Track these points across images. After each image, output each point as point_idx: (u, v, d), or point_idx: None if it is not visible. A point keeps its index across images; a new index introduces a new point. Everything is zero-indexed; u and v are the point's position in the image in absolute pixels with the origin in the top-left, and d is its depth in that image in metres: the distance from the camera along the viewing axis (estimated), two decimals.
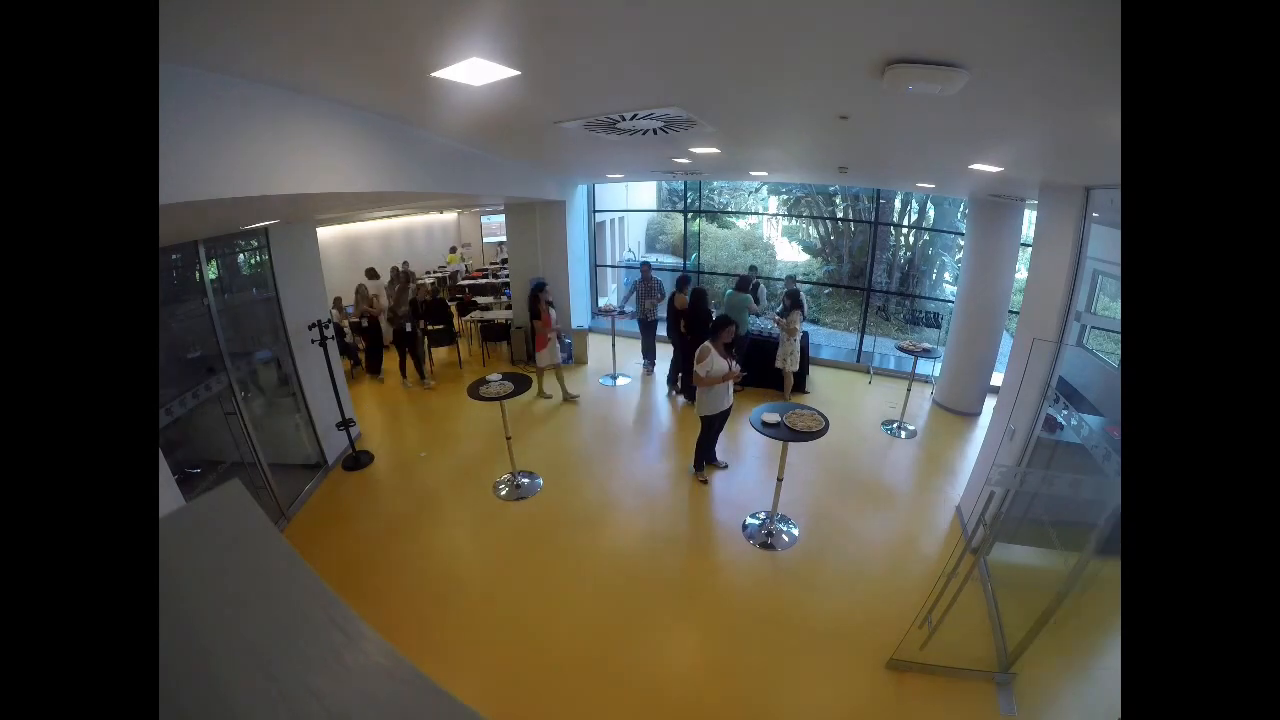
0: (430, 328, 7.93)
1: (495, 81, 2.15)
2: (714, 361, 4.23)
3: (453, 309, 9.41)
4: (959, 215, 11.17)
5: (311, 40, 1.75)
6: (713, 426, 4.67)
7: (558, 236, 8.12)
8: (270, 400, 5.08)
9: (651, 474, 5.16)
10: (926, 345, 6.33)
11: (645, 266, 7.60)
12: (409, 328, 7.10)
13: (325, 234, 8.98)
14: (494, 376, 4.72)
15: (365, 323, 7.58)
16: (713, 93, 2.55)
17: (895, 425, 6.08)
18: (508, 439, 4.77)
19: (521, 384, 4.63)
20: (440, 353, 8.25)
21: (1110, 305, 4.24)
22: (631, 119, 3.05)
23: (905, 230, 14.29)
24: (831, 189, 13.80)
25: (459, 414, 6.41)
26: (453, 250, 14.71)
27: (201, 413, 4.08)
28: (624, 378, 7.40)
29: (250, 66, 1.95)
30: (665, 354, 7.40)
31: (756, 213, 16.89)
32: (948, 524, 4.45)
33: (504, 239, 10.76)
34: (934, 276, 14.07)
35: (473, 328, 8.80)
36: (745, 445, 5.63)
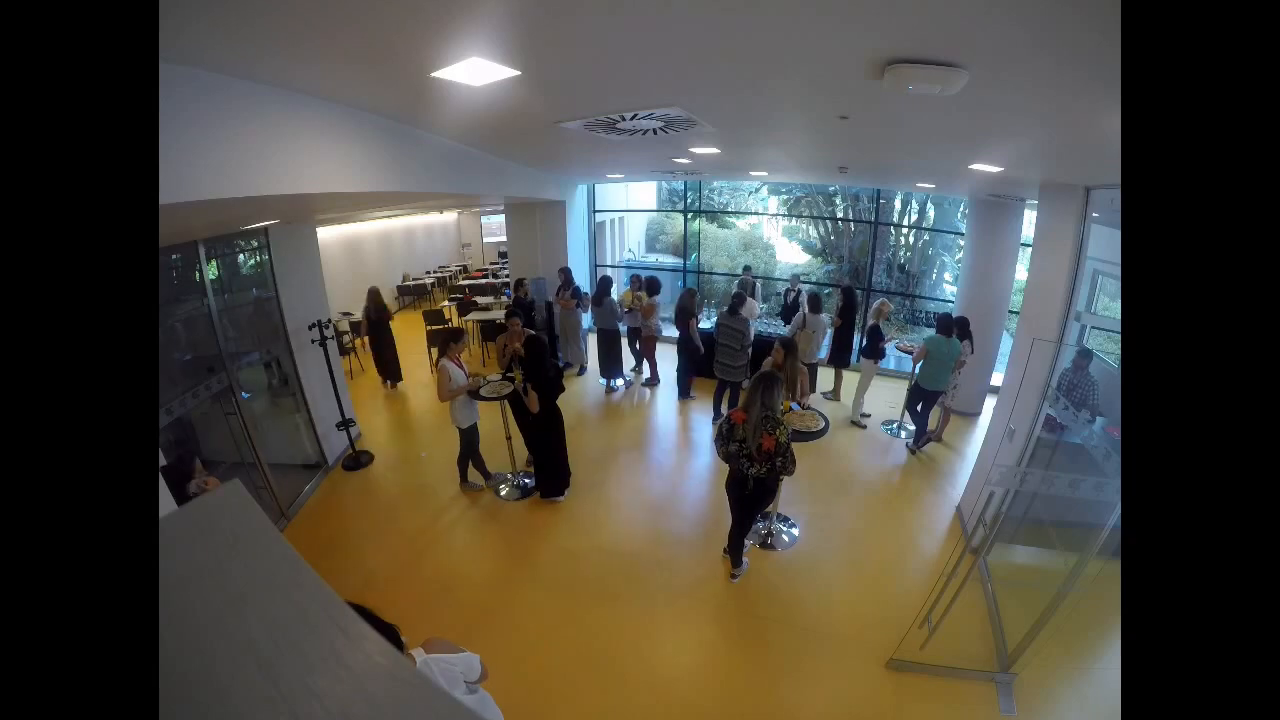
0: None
1: (495, 81, 2.15)
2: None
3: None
4: (959, 215, 11.16)
5: (312, 40, 1.75)
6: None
7: (558, 236, 8.12)
8: (270, 400, 5.08)
9: (651, 474, 5.16)
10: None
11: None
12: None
13: (325, 234, 8.99)
14: (494, 376, 4.72)
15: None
16: (713, 93, 2.55)
17: (895, 425, 6.07)
18: (508, 439, 4.77)
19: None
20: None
21: (1110, 305, 4.24)
22: (631, 119, 3.05)
23: (905, 230, 14.28)
24: (831, 189, 13.78)
25: None
26: None
27: (201, 413, 4.09)
28: (623, 379, 7.40)
29: (250, 66, 1.95)
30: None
31: (756, 213, 16.87)
32: (948, 524, 4.45)
33: (504, 239, 10.75)
34: (934, 276, 14.07)
35: (473, 327, 8.80)
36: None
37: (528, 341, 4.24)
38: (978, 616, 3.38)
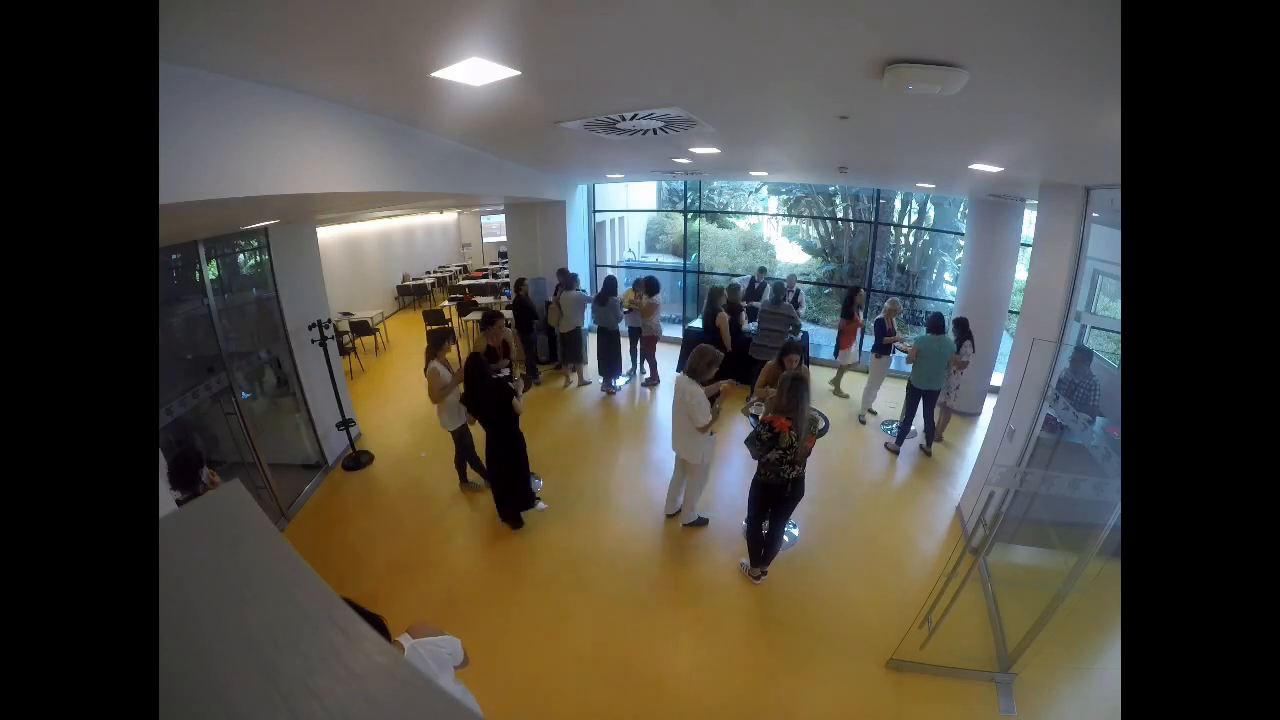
0: None
1: (495, 81, 2.15)
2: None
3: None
4: (959, 215, 11.15)
5: (312, 40, 1.75)
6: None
7: (558, 236, 8.12)
8: (270, 400, 5.08)
9: (650, 475, 5.16)
10: None
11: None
12: None
13: (325, 234, 8.99)
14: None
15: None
16: (713, 93, 2.55)
17: (895, 425, 6.07)
18: None
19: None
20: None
21: (1110, 305, 4.24)
22: (631, 119, 3.05)
23: (905, 230, 14.28)
24: (831, 189, 13.78)
25: None
26: None
27: (201, 413, 4.09)
28: (624, 378, 7.40)
29: (251, 66, 1.95)
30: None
31: (756, 213, 16.88)
32: (948, 524, 4.45)
33: (504, 239, 10.76)
34: (934, 276, 14.07)
35: (472, 328, 8.80)
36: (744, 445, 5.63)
37: (467, 361, 3.91)
38: (978, 616, 3.38)
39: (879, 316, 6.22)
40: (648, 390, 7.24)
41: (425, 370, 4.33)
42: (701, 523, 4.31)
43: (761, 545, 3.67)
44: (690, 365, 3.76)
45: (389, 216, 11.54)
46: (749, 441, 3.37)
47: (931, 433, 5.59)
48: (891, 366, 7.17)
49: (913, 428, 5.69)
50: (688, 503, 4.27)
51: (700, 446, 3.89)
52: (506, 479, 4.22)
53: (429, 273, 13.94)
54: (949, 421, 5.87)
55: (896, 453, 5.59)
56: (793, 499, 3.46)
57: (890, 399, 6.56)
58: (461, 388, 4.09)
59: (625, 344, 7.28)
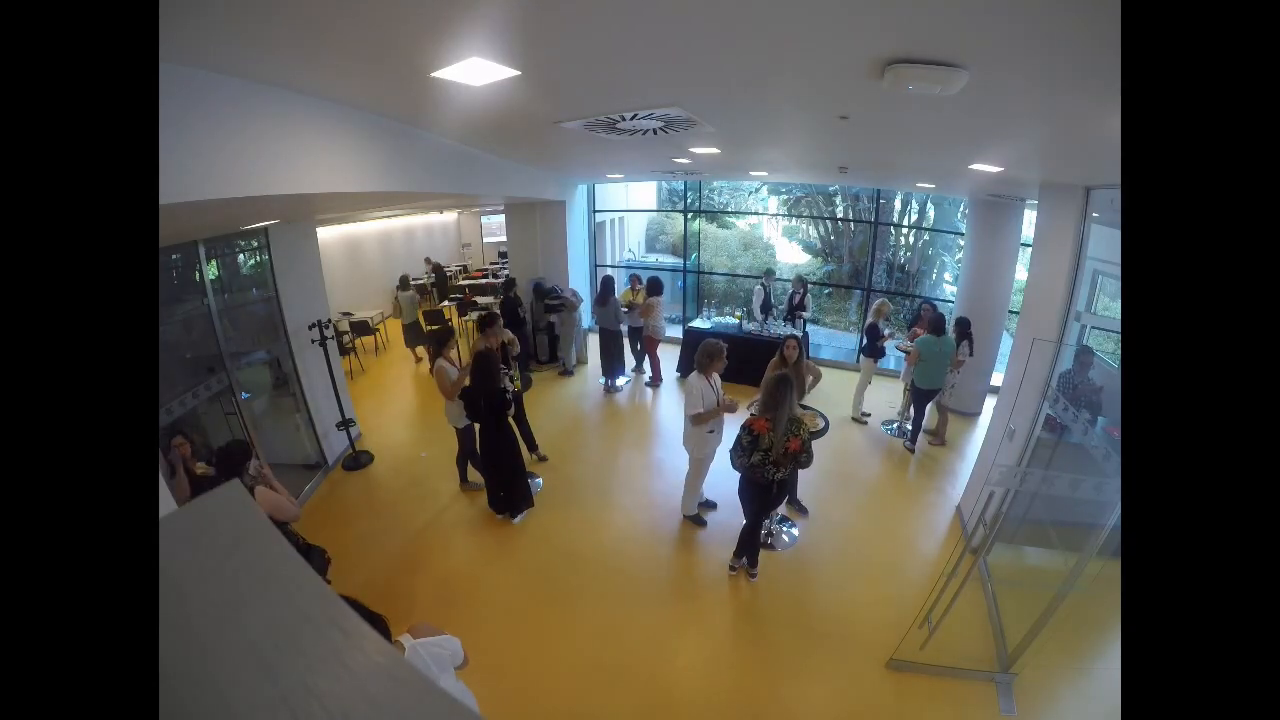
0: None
1: (495, 81, 2.15)
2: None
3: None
4: (959, 215, 11.14)
5: (312, 41, 1.75)
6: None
7: (558, 236, 8.12)
8: (270, 400, 5.08)
9: (650, 475, 5.16)
10: None
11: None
12: None
13: (325, 234, 8.98)
14: None
15: None
16: (713, 93, 2.55)
17: (895, 425, 6.07)
18: None
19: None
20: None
21: (1110, 305, 4.24)
22: (631, 119, 3.05)
23: (905, 230, 14.27)
24: (831, 189, 13.77)
25: None
26: None
27: (201, 412, 4.09)
28: (624, 378, 7.40)
29: (251, 67, 1.95)
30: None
31: (756, 213, 16.86)
32: (948, 524, 4.45)
33: (504, 239, 10.77)
34: (934, 276, 14.06)
35: (472, 328, 8.79)
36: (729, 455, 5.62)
37: (475, 356, 4.02)
38: (978, 616, 3.38)
39: (870, 321, 6.23)
40: (650, 390, 7.24)
41: (431, 370, 4.33)
42: (700, 523, 4.31)
43: (759, 544, 3.68)
44: (696, 360, 3.84)
45: (389, 216, 11.53)
46: (732, 452, 3.38)
47: (918, 429, 5.65)
48: (891, 365, 7.19)
49: (901, 420, 5.73)
50: (686, 495, 4.30)
51: (695, 439, 3.92)
52: (497, 472, 4.33)
53: (429, 273, 13.92)
54: (948, 421, 5.87)
55: (912, 450, 5.60)
56: (776, 500, 3.45)
57: (888, 399, 6.56)
58: (467, 381, 4.14)
59: (626, 343, 7.31)
